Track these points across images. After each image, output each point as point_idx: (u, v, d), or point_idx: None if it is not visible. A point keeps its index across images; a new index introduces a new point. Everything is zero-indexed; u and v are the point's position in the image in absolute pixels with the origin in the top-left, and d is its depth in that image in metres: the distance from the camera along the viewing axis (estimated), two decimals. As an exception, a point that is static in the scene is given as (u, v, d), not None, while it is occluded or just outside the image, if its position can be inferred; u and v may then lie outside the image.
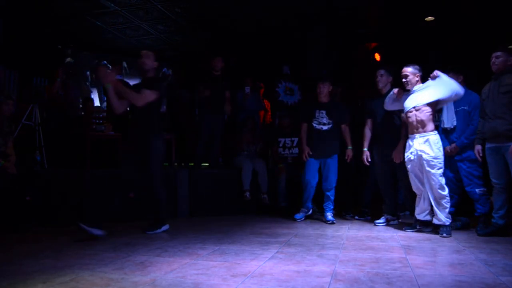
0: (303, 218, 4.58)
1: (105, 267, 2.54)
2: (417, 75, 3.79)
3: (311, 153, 4.49)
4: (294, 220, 4.54)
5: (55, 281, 2.23)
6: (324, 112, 4.47)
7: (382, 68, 4.35)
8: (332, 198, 4.50)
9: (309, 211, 4.67)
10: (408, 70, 3.81)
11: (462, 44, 6.17)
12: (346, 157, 4.46)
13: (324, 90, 4.49)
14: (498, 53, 3.56)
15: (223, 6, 5.77)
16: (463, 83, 4.05)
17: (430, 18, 6.17)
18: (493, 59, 3.59)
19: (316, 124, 4.48)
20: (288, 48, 7.13)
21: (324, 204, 4.53)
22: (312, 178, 4.52)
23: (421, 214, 3.76)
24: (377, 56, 7.08)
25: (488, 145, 3.64)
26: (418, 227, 3.79)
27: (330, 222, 4.33)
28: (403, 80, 3.82)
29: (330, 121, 4.46)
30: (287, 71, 6.82)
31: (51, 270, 2.46)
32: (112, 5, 5.73)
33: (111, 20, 6.30)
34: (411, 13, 5.96)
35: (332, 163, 4.46)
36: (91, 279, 2.27)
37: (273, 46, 7.12)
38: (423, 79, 3.81)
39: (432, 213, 3.74)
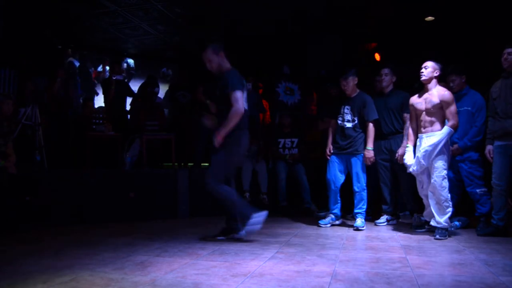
0: (328, 225, 4.17)
1: (105, 267, 2.54)
2: (436, 71, 3.61)
3: (331, 151, 4.23)
4: (319, 225, 4.18)
5: (55, 281, 2.23)
6: (349, 107, 4.14)
7: (386, 67, 4.26)
8: (360, 202, 4.09)
9: (338, 219, 4.27)
10: (431, 62, 3.63)
11: (462, 44, 6.17)
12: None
13: (348, 87, 4.12)
14: (510, 50, 3.45)
15: (223, 6, 5.77)
16: (465, 83, 4.04)
17: (430, 18, 6.17)
18: (505, 55, 3.47)
19: (340, 120, 4.17)
20: (288, 48, 7.12)
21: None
22: (333, 178, 4.16)
23: (428, 217, 3.69)
24: (377, 56, 7.08)
25: (497, 143, 3.56)
26: (427, 227, 3.75)
27: (355, 228, 3.97)
28: (421, 71, 3.63)
29: (355, 117, 4.11)
30: (287, 71, 6.82)
31: (51, 270, 2.47)
32: (112, 5, 5.72)
33: (111, 20, 6.29)
34: (411, 13, 5.96)
35: (355, 163, 4.08)
36: (91, 279, 2.27)
37: (273, 46, 7.12)
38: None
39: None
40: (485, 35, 5.89)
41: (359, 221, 4.00)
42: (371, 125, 4.06)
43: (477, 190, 3.84)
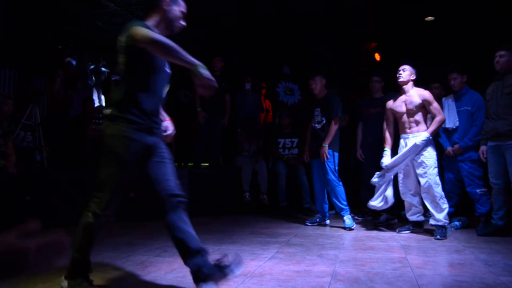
0: (315, 224, 4.27)
1: (105, 267, 2.54)
2: (413, 74, 3.70)
3: (308, 157, 4.36)
4: (305, 224, 4.28)
5: (55, 281, 2.23)
6: (318, 109, 4.25)
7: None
8: (337, 199, 4.06)
9: (324, 219, 4.32)
10: (408, 66, 3.72)
11: (462, 44, 6.18)
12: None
13: (316, 86, 4.19)
14: (502, 52, 3.53)
15: (223, 6, 5.77)
16: (465, 83, 4.05)
17: (430, 18, 6.18)
18: (497, 58, 3.56)
19: (314, 123, 4.28)
20: (288, 48, 7.13)
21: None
22: (315, 179, 4.29)
23: (413, 215, 3.75)
24: (377, 56, 7.08)
25: (489, 144, 3.63)
26: (411, 228, 3.78)
27: (348, 228, 3.97)
28: (399, 73, 3.70)
29: (323, 118, 4.19)
30: (287, 71, 6.82)
31: (51, 270, 2.46)
32: (112, 5, 5.72)
33: (111, 20, 6.29)
34: (411, 13, 5.96)
35: (326, 164, 4.04)
36: (91, 279, 2.26)
37: (273, 46, 7.12)
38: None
39: (424, 214, 3.81)
40: (485, 35, 5.89)
41: (347, 220, 4.01)
42: (332, 124, 4.08)
43: (477, 190, 3.85)
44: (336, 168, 4.10)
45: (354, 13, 6.01)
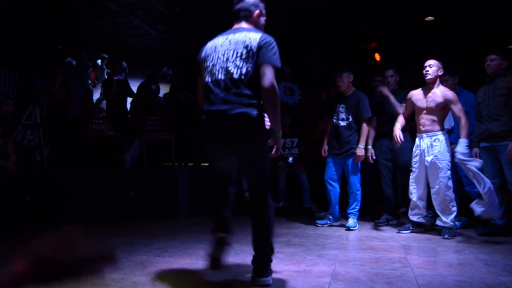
0: (325, 225, 4.19)
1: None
2: (440, 69, 3.64)
3: (326, 152, 4.26)
4: (316, 225, 4.21)
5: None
6: (344, 106, 4.12)
7: (390, 69, 4.24)
8: (353, 202, 4.08)
9: (337, 221, 4.22)
10: (434, 61, 3.65)
11: (462, 44, 6.18)
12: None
13: (343, 84, 4.09)
14: (493, 56, 3.59)
15: (223, 5, 5.77)
16: (457, 84, 4.08)
17: (430, 18, 6.18)
18: (488, 62, 3.62)
19: (335, 119, 4.15)
20: (288, 48, 7.12)
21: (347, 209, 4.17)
22: (329, 178, 4.17)
23: (415, 216, 3.75)
24: (377, 56, 7.08)
25: (482, 144, 3.67)
26: (411, 228, 3.78)
27: (346, 228, 3.97)
28: (426, 69, 3.62)
29: (350, 116, 4.09)
30: (287, 71, 6.82)
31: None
32: (112, 5, 5.72)
33: (111, 20, 6.30)
34: (411, 13, 5.97)
35: (349, 163, 4.07)
36: (91, 279, 2.26)
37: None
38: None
39: (426, 216, 3.81)
40: (485, 36, 5.89)
41: (351, 221, 4.02)
42: (364, 124, 4.06)
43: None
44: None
45: (354, 13, 6.01)
